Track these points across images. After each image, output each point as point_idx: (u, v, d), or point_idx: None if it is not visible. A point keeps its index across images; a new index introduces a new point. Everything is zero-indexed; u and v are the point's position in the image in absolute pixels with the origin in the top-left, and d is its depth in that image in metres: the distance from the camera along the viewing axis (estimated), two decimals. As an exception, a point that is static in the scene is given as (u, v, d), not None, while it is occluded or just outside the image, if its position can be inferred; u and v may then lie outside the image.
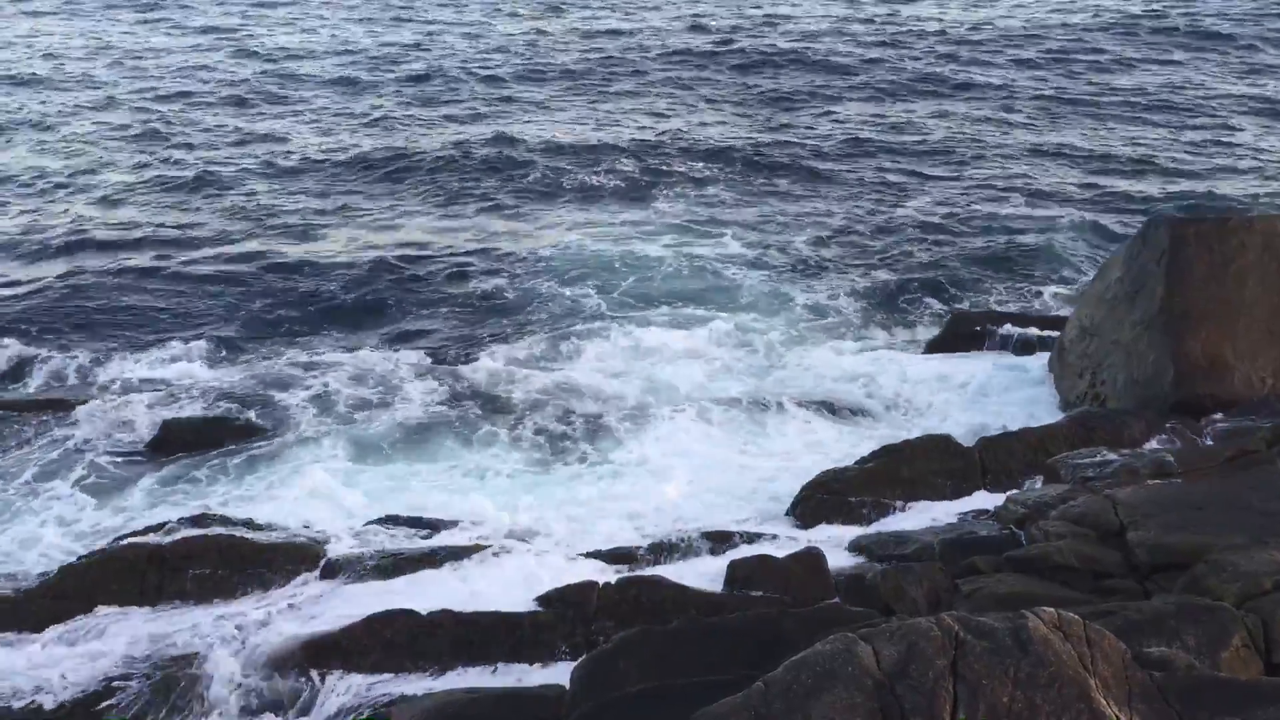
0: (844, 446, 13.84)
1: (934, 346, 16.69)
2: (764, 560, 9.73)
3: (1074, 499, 9.88)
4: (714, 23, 43.71)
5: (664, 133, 28.74)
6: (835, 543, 10.79)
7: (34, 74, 34.52)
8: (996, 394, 14.97)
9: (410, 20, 45.02)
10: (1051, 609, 6.00)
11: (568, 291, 18.97)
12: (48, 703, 8.82)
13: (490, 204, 23.51)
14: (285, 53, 38.13)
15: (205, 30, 42.21)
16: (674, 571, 10.20)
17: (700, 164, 26.10)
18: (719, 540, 10.88)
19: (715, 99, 32.71)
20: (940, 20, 43.79)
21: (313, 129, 29.08)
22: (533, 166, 25.64)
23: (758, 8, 46.94)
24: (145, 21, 44.30)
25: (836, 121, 30.17)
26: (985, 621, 5.82)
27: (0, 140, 27.77)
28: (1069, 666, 5.59)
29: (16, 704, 8.87)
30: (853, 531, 11.17)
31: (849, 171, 25.89)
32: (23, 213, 22.63)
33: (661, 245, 21.20)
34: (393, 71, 35.44)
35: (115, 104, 31.07)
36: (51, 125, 29.00)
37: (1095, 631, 5.90)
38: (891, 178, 25.54)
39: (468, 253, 20.82)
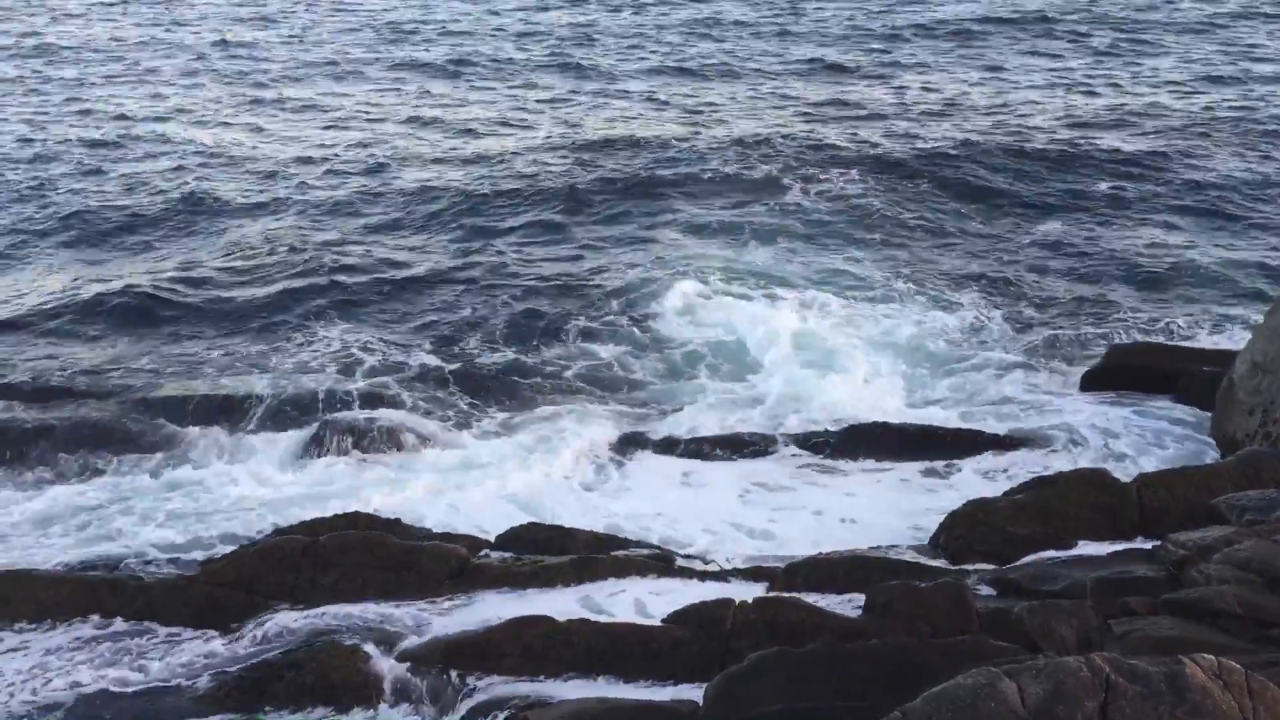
0: (989, 477, 13.49)
1: (1090, 380, 16.12)
2: (905, 588, 9.55)
3: (1239, 542, 9.39)
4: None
5: (788, 136, 28.68)
6: (980, 575, 10.52)
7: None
8: (1154, 432, 14.39)
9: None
10: (1211, 656, 5.73)
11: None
12: (208, 688, 9.29)
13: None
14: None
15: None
16: (811, 594, 10.12)
17: (834, 172, 25.82)
18: (858, 565, 10.73)
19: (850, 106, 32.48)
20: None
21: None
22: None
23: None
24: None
25: (972, 132, 29.52)
26: (1139, 665, 5.60)
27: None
28: (1228, 717, 5.33)
29: (180, 686, 9.36)
30: (999, 564, 10.87)
31: (991, 185, 25.22)
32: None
33: (789, 247, 21.26)
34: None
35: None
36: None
37: (1258, 682, 5.62)
38: (1039, 192, 24.75)
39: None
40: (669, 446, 14.31)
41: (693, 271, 19.88)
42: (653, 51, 40.99)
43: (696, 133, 29.18)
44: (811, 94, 33.99)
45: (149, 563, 11.58)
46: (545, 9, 51.57)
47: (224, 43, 42.60)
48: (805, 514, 12.89)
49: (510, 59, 38.68)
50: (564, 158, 27.04)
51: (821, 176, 25.61)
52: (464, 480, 13.42)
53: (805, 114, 31.63)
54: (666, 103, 33.21)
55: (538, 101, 33.18)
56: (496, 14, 50.06)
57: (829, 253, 21.24)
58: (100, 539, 12.09)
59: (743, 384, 16.14)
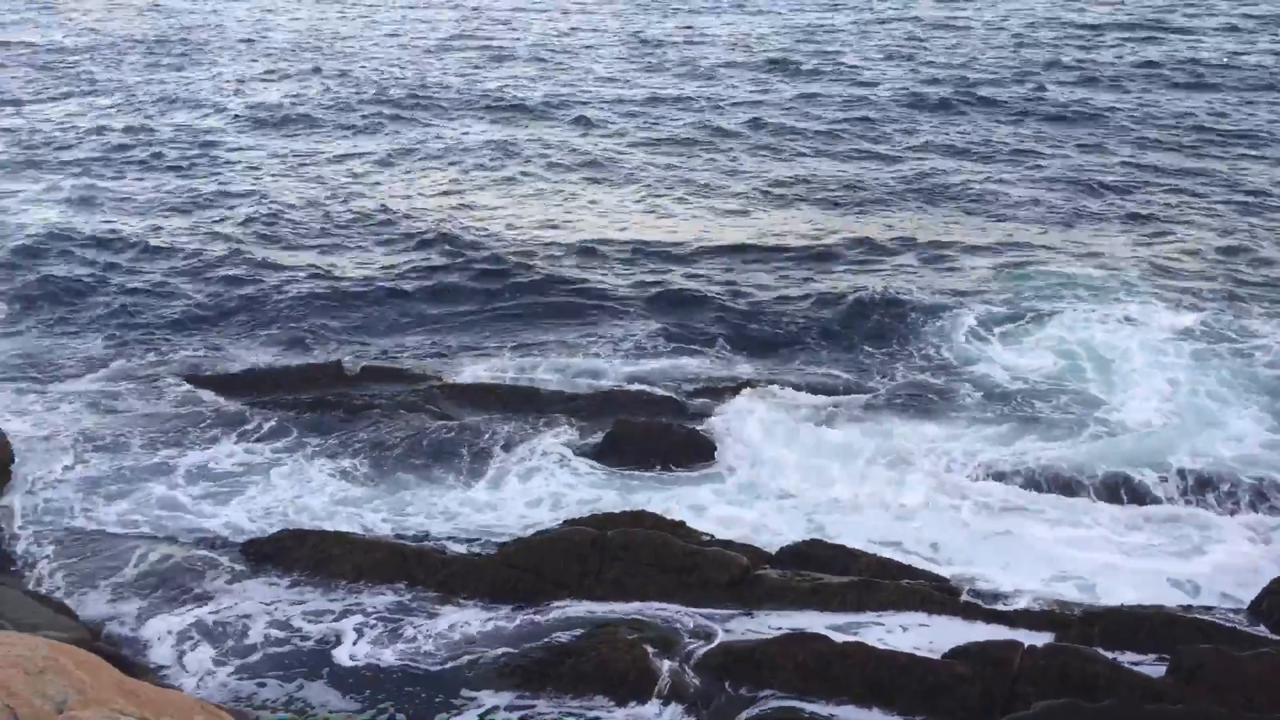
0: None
1: None
2: (1218, 654, 8.77)
3: None
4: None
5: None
6: (1309, 649, 9.50)
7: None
8: None
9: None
10: None
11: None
12: (495, 664, 9.81)
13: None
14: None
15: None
16: (1108, 648, 9.49)
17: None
18: (1165, 622, 9.94)
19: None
20: None
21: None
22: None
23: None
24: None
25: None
26: None
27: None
28: None
29: (468, 660, 9.94)
30: (1333, 640, 9.78)
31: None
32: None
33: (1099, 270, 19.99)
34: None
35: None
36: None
37: None
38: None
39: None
40: (982, 476, 13.72)
41: (1004, 299, 19.09)
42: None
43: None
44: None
45: (451, 539, 12.36)
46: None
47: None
48: (1111, 558, 12.03)
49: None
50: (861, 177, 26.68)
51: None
52: (745, 492, 13.47)
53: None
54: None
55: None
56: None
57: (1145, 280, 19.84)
58: (408, 514, 12.97)
59: (1071, 415, 15.18)
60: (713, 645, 9.64)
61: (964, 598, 10.90)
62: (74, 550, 11.91)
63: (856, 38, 48.47)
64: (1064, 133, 30.58)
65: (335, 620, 10.61)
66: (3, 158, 29.05)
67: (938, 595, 10.78)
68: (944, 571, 11.54)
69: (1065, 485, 13.45)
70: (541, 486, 13.57)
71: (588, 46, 47.06)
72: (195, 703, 5.82)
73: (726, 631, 10.10)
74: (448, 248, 21.98)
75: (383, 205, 24.92)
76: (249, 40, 48.76)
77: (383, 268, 21.06)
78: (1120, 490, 13.35)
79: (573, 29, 53.64)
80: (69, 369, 16.67)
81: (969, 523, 12.60)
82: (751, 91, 37.02)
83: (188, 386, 16.00)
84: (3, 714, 5.08)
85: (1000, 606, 10.82)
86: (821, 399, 15.58)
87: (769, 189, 26.17)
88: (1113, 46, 43.75)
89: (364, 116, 33.47)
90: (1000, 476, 13.68)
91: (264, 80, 39.29)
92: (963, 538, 12.24)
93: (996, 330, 17.71)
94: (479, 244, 22.09)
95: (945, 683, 9.04)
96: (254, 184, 26.76)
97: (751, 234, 22.92)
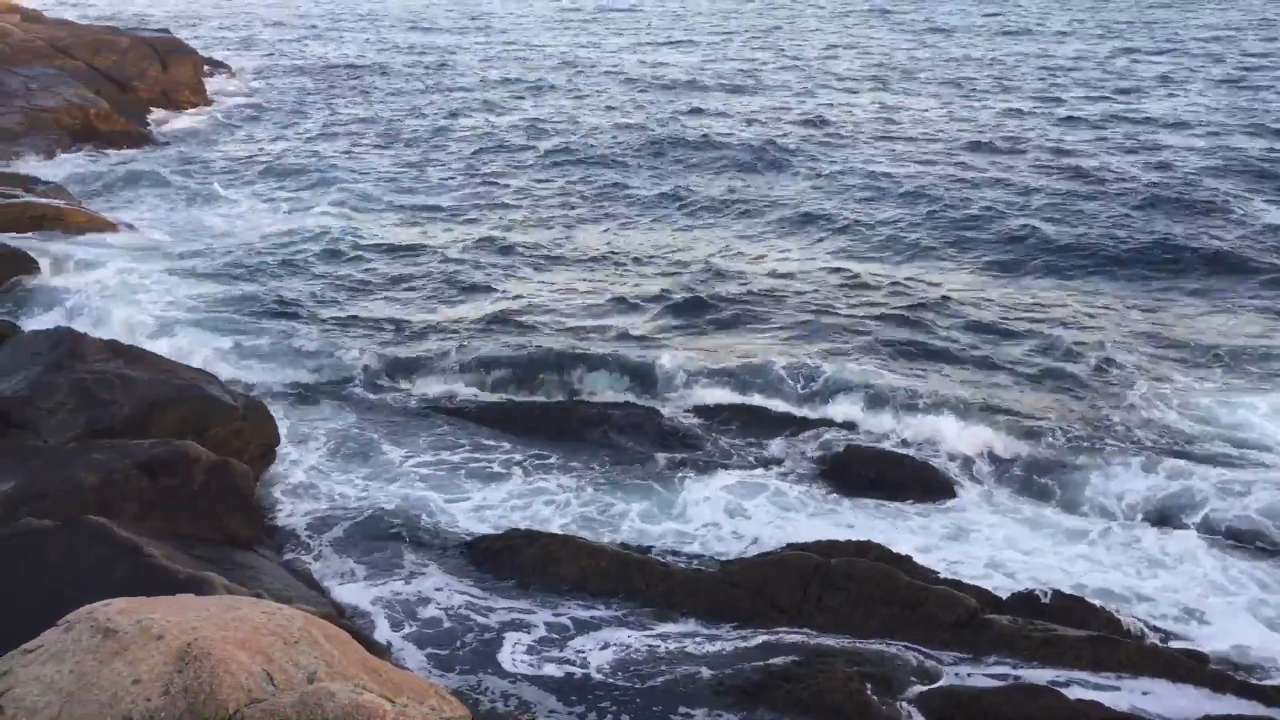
0: None
1: None
2: None
3: None
4: None
5: None
6: None
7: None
8: None
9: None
10: None
11: None
12: (710, 681, 9.82)
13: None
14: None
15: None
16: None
17: None
18: None
19: None
20: None
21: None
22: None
23: None
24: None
25: None
26: None
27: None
28: None
29: (683, 674, 9.99)
30: None
31: None
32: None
33: None
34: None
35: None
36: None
37: None
38: None
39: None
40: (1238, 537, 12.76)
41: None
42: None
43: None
44: None
45: (672, 552, 12.44)
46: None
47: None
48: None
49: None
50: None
51: None
52: (977, 531, 12.96)
53: None
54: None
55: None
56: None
57: None
58: (630, 524, 13.11)
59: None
60: (934, 687, 9.35)
61: (1212, 666, 10.16)
62: (320, 531, 12.74)
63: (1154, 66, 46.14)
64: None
65: (556, 622, 10.87)
66: (270, 164, 31.22)
67: (1183, 660, 10.09)
68: (1192, 636, 10.77)
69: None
70: (765, 507, 13.49)
71: (848, 77, 46.25)
72: (430, 686, 6.10)
73: (950, 675, 9.77)
74: (679, 277, 22.14)
75: (616, 232, 25.51)
76: (500, 66, 50.57)
77: (614, 294, 21.35)
78: None
79: (830, 46, 53.35)
80: (322, 366, 17.65)
81: (1226, 585, 11.69)
82: (1015, 126, 35.73)
83: (429, 389, 16.82)
84: (261, 678, 5.47)
85: (1254, 680, 10.03)
86: (1056, 449, 14.76)
87: (1012, 236, 25.02)
88: None
89: (613, 148, 33.49)
90: (1261, 538, 12.68)
91: (508, 110, 40.11)
92: (1218, 601, 11.36)
93: (1247, 395, 16.37)
94: (701, 278, 22.07)
95: (1188, 755, 8.46)
96: (502, 208, 27.63)
97: (1002, 284, 22.08)
